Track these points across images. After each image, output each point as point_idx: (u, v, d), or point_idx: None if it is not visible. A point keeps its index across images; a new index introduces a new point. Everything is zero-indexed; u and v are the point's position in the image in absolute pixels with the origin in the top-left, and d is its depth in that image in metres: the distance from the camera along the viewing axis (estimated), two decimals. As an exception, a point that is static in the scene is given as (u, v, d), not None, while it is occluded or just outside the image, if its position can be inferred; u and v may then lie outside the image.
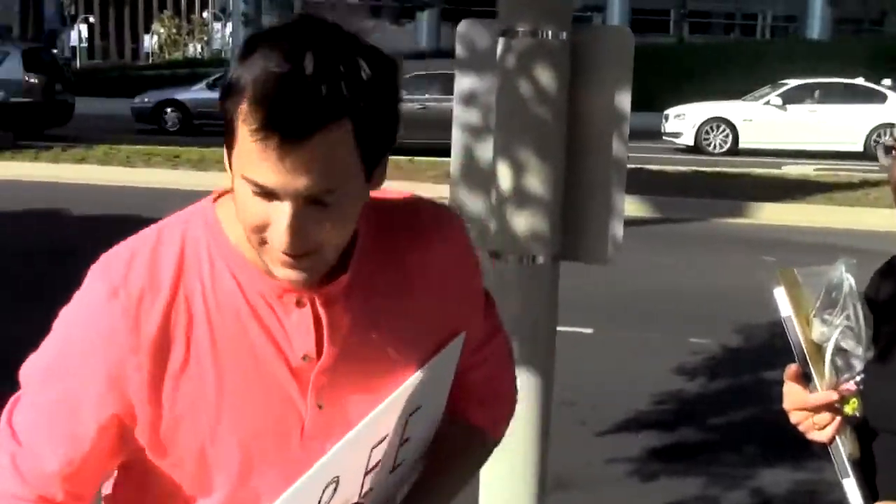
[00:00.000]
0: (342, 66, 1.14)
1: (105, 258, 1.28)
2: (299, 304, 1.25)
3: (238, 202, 1.19)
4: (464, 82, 2.92)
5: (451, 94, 3.02)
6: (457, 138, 2.94)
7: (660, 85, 23.11)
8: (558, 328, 2.95)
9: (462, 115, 2.93)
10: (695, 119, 20.20)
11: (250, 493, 1.29)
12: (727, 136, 20.01)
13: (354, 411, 1.28)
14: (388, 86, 1.19)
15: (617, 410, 5.44)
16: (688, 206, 11.88)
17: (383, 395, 1.28)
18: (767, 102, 20.28)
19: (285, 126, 1.11)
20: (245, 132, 1.14)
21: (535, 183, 2.76)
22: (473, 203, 2.93)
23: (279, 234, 1.16)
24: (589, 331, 6.76)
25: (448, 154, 3.01)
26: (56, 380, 1.27)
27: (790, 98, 20.15)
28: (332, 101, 1.13)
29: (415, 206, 1.39)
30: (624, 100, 2.75)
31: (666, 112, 20.84)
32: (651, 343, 6.68)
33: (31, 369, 1.30)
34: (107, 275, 1.26)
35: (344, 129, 1.14)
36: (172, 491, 1.31)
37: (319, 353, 1.27)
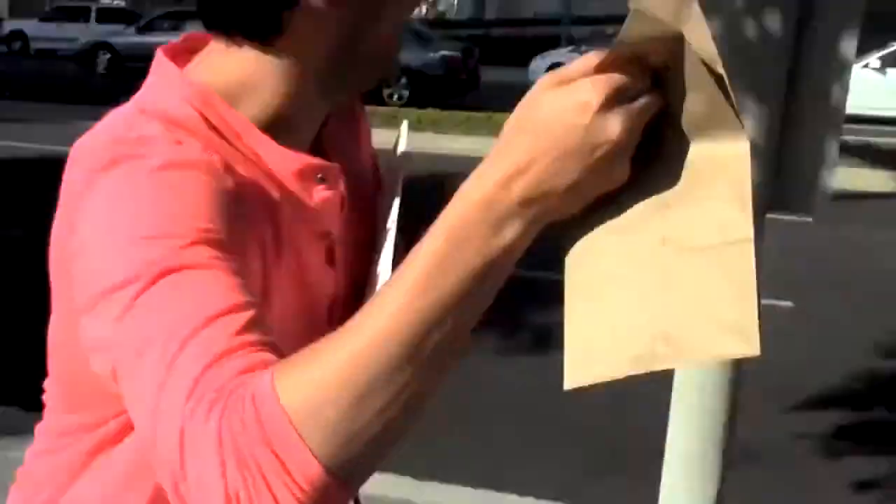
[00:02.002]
0: None
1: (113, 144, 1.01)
2: (324, 181, 1.14)
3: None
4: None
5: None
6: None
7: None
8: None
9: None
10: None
11: None
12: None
13: (361, 273, 1.22)
14: None
15: (808, 386, 5.35)
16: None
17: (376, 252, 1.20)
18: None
19: None
20: None
21: (749, 126, 2.75)
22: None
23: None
24: (788, 304, 6.65)
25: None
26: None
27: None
28: None
29: None
30: (849, 47, 2.71)
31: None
32: (846, 321, 6.52)
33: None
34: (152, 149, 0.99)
35: None
36: None
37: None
